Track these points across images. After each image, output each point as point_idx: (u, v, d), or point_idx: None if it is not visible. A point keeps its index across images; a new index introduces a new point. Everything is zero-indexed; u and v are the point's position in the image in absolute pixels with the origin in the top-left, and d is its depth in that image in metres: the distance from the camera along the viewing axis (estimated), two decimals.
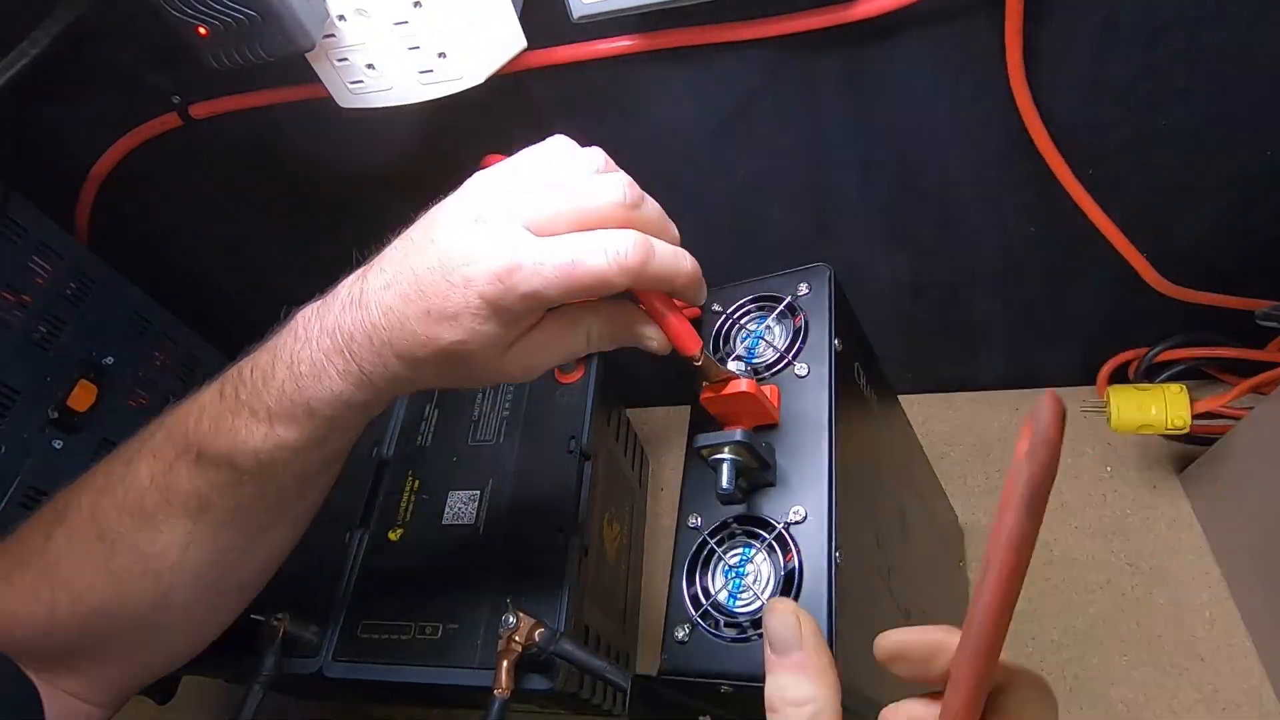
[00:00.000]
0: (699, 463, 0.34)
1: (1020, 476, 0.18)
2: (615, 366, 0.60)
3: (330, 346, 0.32)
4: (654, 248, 0.31)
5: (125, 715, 0.77)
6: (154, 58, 0.52)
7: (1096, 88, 0.47)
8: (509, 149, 0.35)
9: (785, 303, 0.38)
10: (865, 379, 0.40)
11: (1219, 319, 0.60)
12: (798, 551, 0.31)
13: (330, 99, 0.49)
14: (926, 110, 0.50)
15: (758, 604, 0.30)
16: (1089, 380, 0.70)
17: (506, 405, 0.60)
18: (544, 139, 0.34)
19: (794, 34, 0.45)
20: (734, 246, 0.62)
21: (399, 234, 0.34)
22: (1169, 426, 0.60)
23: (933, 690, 0.24)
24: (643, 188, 0.33)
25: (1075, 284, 0.63)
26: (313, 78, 0.48)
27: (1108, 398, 0.63)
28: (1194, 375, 0.65)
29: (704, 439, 0.32)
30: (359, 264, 0.34)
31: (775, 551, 0.31)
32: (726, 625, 0.31)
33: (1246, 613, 0.59)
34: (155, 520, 0.36)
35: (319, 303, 0.34)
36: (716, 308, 0.40)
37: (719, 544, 0.33)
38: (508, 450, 0.58)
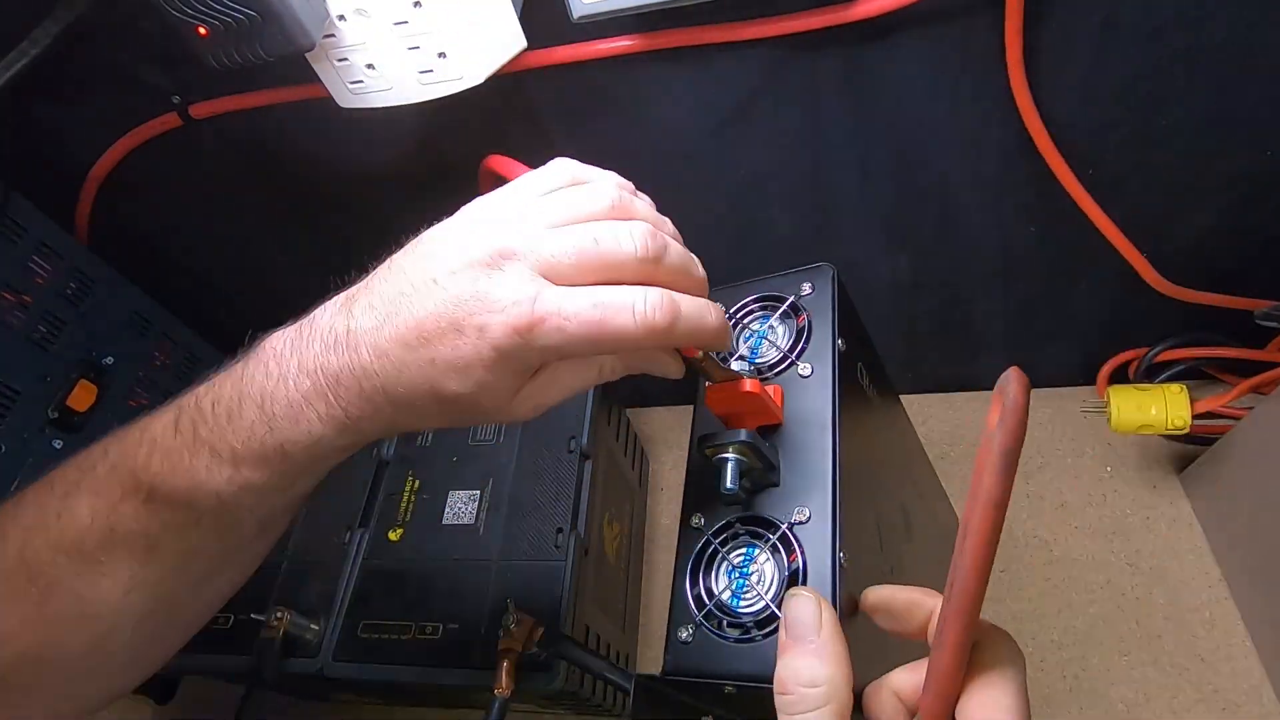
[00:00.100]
0: (702, 462, 0.33)
1: (993, 443, 0.20)
2: None
3: (311, 389, 0.29)
4: (680, 308, 0.29)
5: (125, 715, 0.77)
6: (154, 58, 0.52)
7: (1096, 88, 0.47)
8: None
9: (789, 302, 0.38)
10: (868, 379, 0.40)
11: (1219, 319, 0.60)
12: (802, 552, 0.31)
13: (330, 99, 0.49)
14: (926, 110, 0.50)
15: (761, 604, 0.30)
16: (1089, 380, 0.70)
17: None
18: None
19: (794, 34, 0.45)
20: (734, 246, 0.62)
21: (384, 260, 0.31)
22: (1169, 426, 0.60)
23: (909, 662, 0.26)
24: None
25: (1075, 284, 0.63)
26: (313, 78, 0.48)
27: (1108, 398, 0.63)
28: (1194, 375, 0.66)
29: (709, 439, 0.32)
30: (365, 274, 0.32)
31: (779, 552, 0.31)
32: (730, 626, 0.31)
33: (1246, 613, 0.59)
34: (96, 562, 0.32)
35: (292, 333, 0.31)
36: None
37: (722, 544, 0.33)
38: (508, 450, 0.58)
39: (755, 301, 0.39)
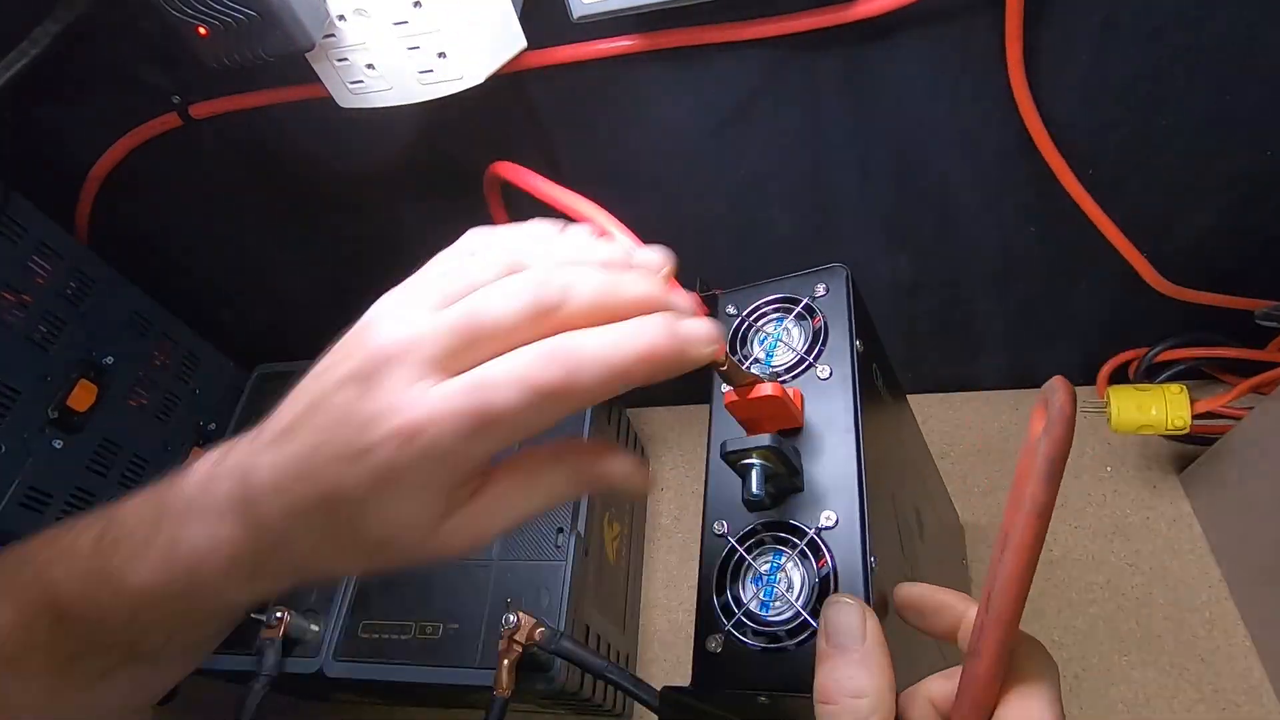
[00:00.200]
0: (721, 468, 0.33)
1: (1039, 450, 0.20)
2: None
3: (215, 540, 0.26)
4: (580, 355, 0.23)
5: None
6: (154, 58, 0.52)
7: (1096, 88, 0.47)
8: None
9: (803, 304, 0.37)
10: (882, 380, 0.40)
11: (1219, 319, 0.60)
12: (831, 557, 0.30)
13: (330, 99, 0.49)
14: (926, 110, 0.50)
15: (792, 612, 0.30)
16: (1089, 380, 0.70)
17: None
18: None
19: (794, 34, 0.45)
20: (734, 246, 0.62)
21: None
22: (1169, 426, 0.60)
23: (943, 670, 0.26)
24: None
25: (1075, 284, 0.63)
26: (313, 78, 0.48)
27: (1108, 398, 0.63)
28: (1194, 375, 0.66)
29: (732, 444, 0.31)
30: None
31: (808, 558, 0.31)
32: (760, 635, 0.30)
33: (1246, 613, 0.59)
34: (19, 669, 0.30)
35: (199, 480, 0.27)
36: (732, 310, 0.39)
37: (748, 551, 0.32)
38: (507, 450, 0.57)
39: (769, 304, 0.38)
